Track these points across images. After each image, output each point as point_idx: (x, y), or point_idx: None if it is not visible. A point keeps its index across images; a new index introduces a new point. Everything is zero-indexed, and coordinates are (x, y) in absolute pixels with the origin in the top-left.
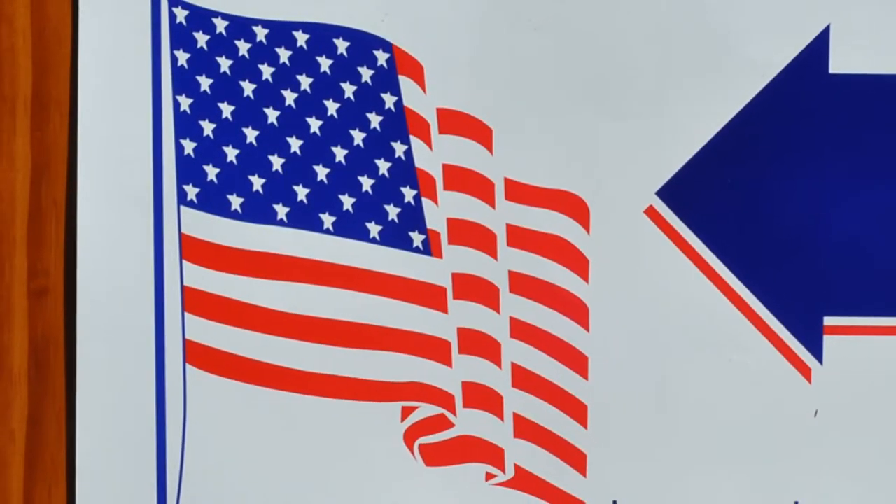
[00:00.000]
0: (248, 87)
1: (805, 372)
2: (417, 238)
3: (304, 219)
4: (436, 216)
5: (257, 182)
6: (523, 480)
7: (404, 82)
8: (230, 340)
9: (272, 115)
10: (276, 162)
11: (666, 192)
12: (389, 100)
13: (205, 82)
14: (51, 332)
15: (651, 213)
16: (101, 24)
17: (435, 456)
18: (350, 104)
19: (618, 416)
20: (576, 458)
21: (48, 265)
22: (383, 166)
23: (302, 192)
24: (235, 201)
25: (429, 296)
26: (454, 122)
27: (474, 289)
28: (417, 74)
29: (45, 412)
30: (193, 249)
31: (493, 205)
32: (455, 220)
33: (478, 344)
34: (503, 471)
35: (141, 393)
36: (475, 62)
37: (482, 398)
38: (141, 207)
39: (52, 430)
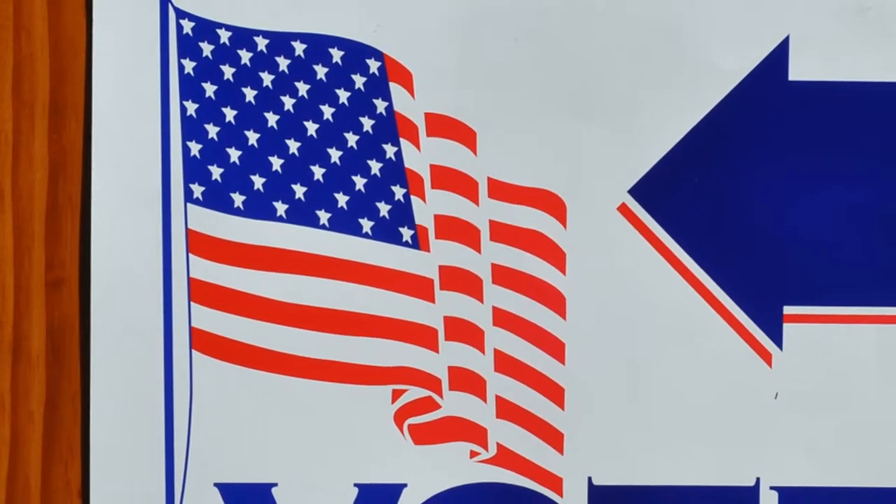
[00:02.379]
0: (249, 93)
1: (766, 357)
2: (407, 233)
3: (301, 215)
4: (424, 213)
5: (258, 181)
6: (505, 458)
7: (394, 89)
8: (233, 328)
9: (272, 119)
10: (276, 162)
11: (637, 191)
12: (381, 105)
13: (210, 88)
14: (66, 320)
15: (624, 210)
16: (114, 35)
17: (423, 435)
18: (344, 109)
19: (592, 399)
20: (553, 437)
21: (64, 257)
22: (375, 166)
23: (300, 191)
24: (238, 199)
25: (417, 286)
26: (441, 125)
27: (459, 280)
28: (407, 81)
29: (62, 394)
30: (199, 244)
31: (476, 202)
32: (442, 217)
33: (463, 331)
34: (486, 449)
35: (150, 377)
36: (460, 70)
37: (467, 382)
38: (150, 205)
39: (67, 411)
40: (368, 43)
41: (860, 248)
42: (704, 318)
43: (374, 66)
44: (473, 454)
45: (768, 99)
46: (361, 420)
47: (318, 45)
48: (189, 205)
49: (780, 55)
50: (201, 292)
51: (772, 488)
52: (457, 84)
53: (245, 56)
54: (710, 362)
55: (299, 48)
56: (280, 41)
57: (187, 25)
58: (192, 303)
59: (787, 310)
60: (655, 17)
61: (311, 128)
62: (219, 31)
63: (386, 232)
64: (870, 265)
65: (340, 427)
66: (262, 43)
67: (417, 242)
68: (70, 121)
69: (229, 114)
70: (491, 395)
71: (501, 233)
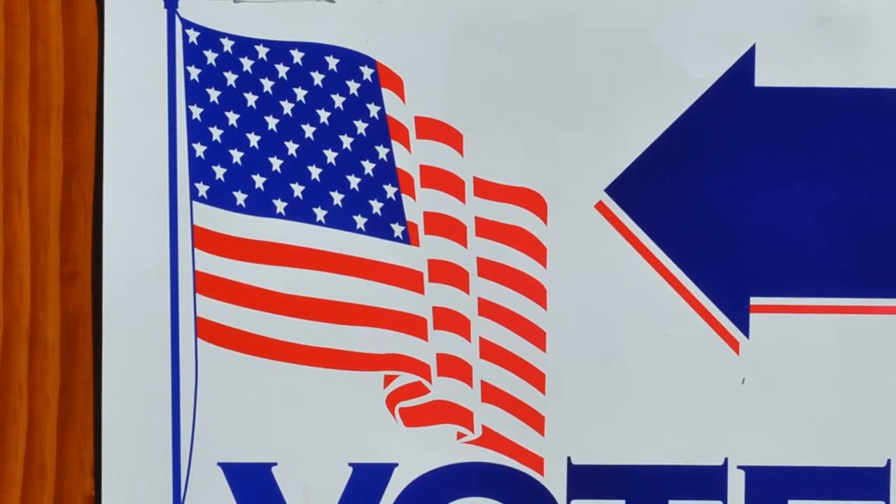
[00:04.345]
0: (251, 98)
1: (734, 345)
2: (398, 229)
3: (299, 212)
4: (414, 210)
5: (259, 180)
6: (489, 439)
7: (386, 94)
8: (236, 318)
9: (272, 122)
10: (276, 163)
11: (613, 190)
12: (373, 109)
13: (214, 94)
14: (80, 311)
15: (601, 207)
16: (124, 44)
17: (413, 418)
18: (339, 113)
19: (571, 384)
20: (535, 420)
21: (78, 252)
22: (368, 167)
23: (298, 189)
24: (240, 197)
25: (408, 279)
26: (430, 128)
27: (447, 273)
28: (398, 87)
29: (75, 380)
30: (204, 239)
31: (463, 200)
32: (430, 214)
33: (450, 321)
34: (472, 431)
35: (158, 363)
36: (448, 77)
37: (454, 368)
38: (158, 202)
39: (81, 396)
40: (362, 51)
41: (822, 244)
42: (676, 309)
43: (367, 72)
44: (460, 436)
45: (735, 104)
46: (355, 404)
47: (315, 53)
48: (194, 202)
49: (746, 63)
50: (206, 284)
51: (739, 467)
52: (445, 90)
53: (247, 63)
54: (681, 350)
55: (297, 56)
56: (279, 49)
57: (193, 35)
58: (197, 294)
59: (754, 300)
60: (630, 28)
61: (309, 130)
62: (222, 39)
63: (378, 228)
64: (831, 259)
65: (336, 410)
66: (262, 51)
67: (408, 238)
68: (83, 124)
69: (232, 117)
70: (476, 380)
71: (486, 229)
